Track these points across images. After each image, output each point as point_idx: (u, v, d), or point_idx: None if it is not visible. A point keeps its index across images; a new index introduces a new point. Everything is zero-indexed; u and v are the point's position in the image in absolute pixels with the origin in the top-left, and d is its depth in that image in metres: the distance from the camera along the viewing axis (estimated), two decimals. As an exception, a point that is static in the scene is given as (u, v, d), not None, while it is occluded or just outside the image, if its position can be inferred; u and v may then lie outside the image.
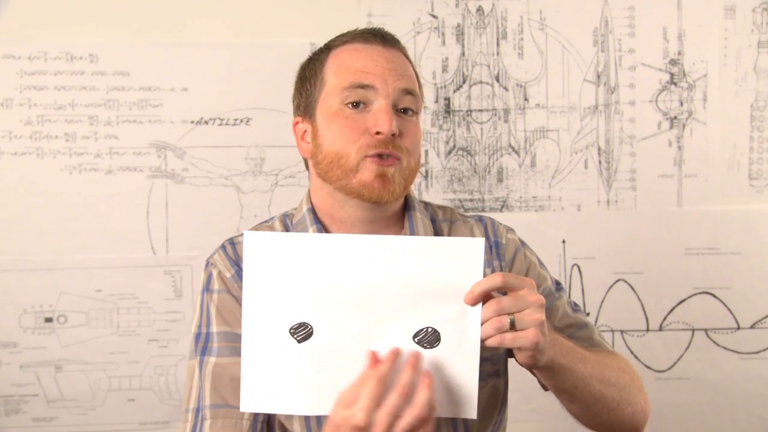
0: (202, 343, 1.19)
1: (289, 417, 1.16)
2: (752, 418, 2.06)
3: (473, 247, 1.01)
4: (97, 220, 1.99)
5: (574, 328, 1.26)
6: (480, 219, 1.30)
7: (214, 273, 1.21)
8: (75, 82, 1.99)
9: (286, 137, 2.05)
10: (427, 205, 1.31)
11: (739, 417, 2.06)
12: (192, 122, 2.02)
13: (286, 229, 1.25)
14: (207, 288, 1.21)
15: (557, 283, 1.30)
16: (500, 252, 1.27)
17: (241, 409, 1.05)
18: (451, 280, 1.01)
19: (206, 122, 2.02)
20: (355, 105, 1.15)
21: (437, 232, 1.27)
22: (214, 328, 1.18)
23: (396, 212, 1.24)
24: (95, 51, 1.99)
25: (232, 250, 1.22)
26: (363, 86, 1.15)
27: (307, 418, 1.15)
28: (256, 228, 1.28)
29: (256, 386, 1.03)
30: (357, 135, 1.14)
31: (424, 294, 1.01)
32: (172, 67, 2.00)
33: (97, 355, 2.00)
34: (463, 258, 1.00)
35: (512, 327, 0.99)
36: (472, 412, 1.02)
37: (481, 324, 1.00)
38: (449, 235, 1.27)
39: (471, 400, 1.01)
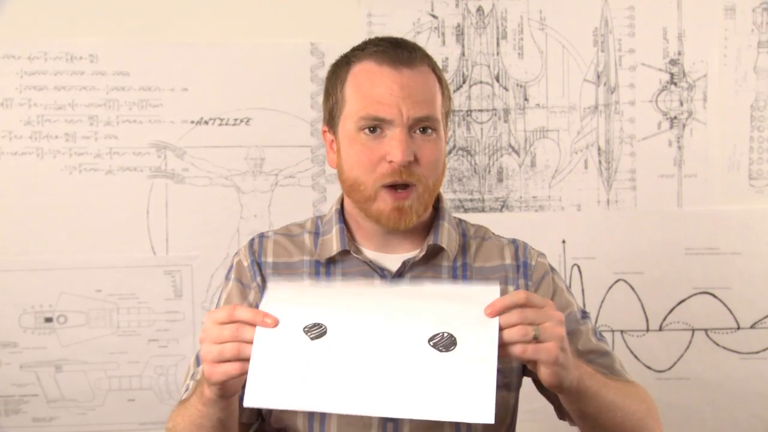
0: None
1: (293, 413, 1.18)
2: (752, 418, 2.06)
3: (489, 296, 1.02)
4: (97, 220, 1.99)
5: (595, 354, 1.26)
6: (513, 241, 1.32)
7: (235, 261, 1.29)
8: (75, 82, 1.99)
9: (286, 137, 2.06)
10: (460, 221, 1.32)
11: (739, 417, 2.06)
12: (192, 122, 2.01)
13: (317, 227, 1.29)
14: (227, 275, 1.30)
15: (583, 312, 1.31)
16: (528, 272, 1.28)
17: (245, 405, 1.05)
18: (470, 294, 1.03)
19: (206, 122, 2.02)
20: (372, 130, 1.17)
21: (466, 247, 1.28)
22: None
23: (420, 221, 1.25)
24: (95, 51, 1.99)
25: (258, 243, 1.29)
26: (377, 118, 1.16)
27: (310, 415, 1.18)
28: (287, 227, 1.32)
29: (263, 382, 1.03)
30: (372, 164, 1.16)
31: (441, 300, 1.03)
32: (172, 67, 2.00)
33: (97, 355, 2.00)
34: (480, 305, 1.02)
35: (534, 338, 0.99)
36: (488, 416, 0.98)
37: (502, 330, 1.00)
38: (477, 251, 1.28)
39: (488, 404, 0.98)
